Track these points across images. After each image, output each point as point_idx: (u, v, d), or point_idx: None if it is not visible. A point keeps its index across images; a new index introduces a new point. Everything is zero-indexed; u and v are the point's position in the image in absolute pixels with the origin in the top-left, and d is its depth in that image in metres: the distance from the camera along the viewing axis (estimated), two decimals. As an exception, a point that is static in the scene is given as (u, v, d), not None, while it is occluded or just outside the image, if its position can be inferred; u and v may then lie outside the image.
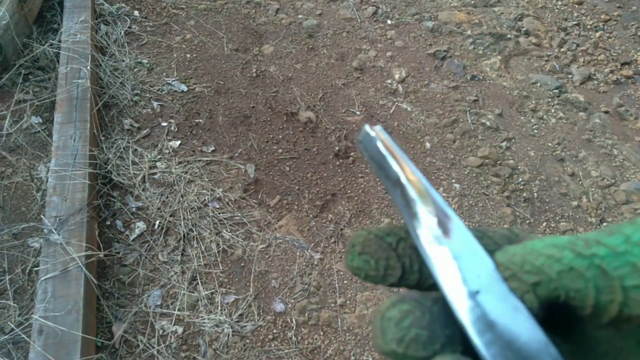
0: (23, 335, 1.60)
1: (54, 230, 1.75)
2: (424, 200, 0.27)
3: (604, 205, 2.20)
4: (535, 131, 2.49)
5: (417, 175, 0.28)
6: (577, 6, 3.28)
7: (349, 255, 0.28)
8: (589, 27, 3.13)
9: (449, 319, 0.24)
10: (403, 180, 0.27)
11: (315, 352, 1.70)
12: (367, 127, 0.31)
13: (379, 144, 0.29)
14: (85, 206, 1.83)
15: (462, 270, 0.24)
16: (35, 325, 1.54)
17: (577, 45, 2.99)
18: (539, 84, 2.73)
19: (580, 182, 2.29)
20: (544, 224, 2.13)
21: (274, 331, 1.73)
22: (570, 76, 2.81)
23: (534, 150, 2.40)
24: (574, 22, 3.15)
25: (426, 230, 0.26)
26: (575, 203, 2.20)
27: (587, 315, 0.20)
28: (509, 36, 2.99)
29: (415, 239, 0.26)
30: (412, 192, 0.27)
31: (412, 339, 0.23)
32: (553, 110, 2.61)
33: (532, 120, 2.54)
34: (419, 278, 0.27)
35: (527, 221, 2.13)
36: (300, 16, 2.95)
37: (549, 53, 2.92)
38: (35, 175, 2.01)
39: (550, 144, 2.44)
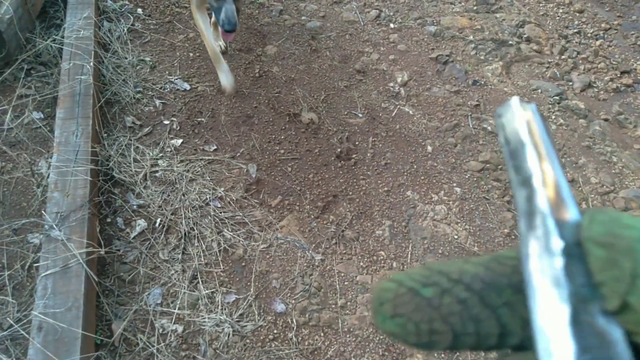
0: (22, 332, 1.58)
1: (54, 226, 1.74)
2: (557, 216, 0.20)
3: (604, 212, 2.21)
4: (536, 137, 2.51)
5: (558, 180, 0.22)
6: (577, 14, 3.30)
7: (379, 316, 0.22)
8: (589, 35, 3.16)
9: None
10: (536, 182, 0.21)
11: (315, 353, 1.69)
12: (515, 100, 0.24)
13: (521, 127, 0.23)
14: (86, 203, 1.82)
15: (577, 341, 0.18)
16: (35, 322, 1.53)
17: (578, 53, 3.01)
18: (539, 91, 2.75)
19: (580, 188, 2.30)
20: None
21: (275, 331, 1.73)
22: (570, 83, 2.83)
23: (534, 156, 2.41)
24: (575, 30, 3.17)
25: (545, 262, 0.19)
26: (575, 209, 2.21)
27: None
28: (510, 42, 3.00)
29: (524, 262, 0.20)
30: (541, 202, 0.21)
31: None
32: (553, 117, 2.62)
33: (533, 126, 2.56)
34: (477, 341, 0.21)
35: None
36: (303, 18, 2.95)
37: (549, 60, 2.94)
38: (36, 170, 2.00)
39: (550, 150, 2.45)
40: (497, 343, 0.21)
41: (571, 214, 0.20)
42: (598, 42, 3.10)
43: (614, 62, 2.98)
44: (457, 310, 0.21)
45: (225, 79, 2.34)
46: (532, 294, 0.19)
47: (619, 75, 2.90)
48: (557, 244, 0.19)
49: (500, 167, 2.33)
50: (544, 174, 0.21)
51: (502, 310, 0.20)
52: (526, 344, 0.21)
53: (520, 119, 0.23)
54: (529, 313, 0.19)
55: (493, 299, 0.21)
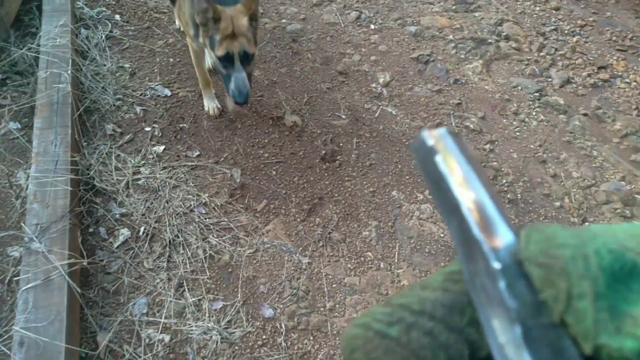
0: (3, 348, 1.54)
1: (35, 238, 1.71)
2: (489, 240, 0.21)
3: (586, 206, 2.24)
4: (518, 134, 2.53)
5: (483, 202, 0.22)
6: (554, 12, 3.35)
7: None
8: (566, 32, 3.20)
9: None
10: (463, 210, 0.22)
11: (305, 357, 1.68)
12: (424, 134, 0.24)
13: (438, 159, 0.23)
14: (67, 213, 1.78)
15: None
16: (16, 337, 1.49)
17: (556, 50, 3.05)
18: (519, 88, 2.78)
19: (562, 183, 2.33)
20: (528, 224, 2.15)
21: (263, 337, 1.71)
22: (550, 80, 2.86)
23: (516, 153, 2.43)
24: (552, 27, 3.22)
25: (489, 286, 0.20)
26: (557, 204, 2.23)
27: None
28: (489, 41, 3.03)
29: (470, 288, 0.20)
30: (473, 229, 0.21)
31: None
32: (534, 113, 2.65)
33: (514, 123, 2.58)
34: None
35: (512, 222, 2.15)
36: (284, 20, 2.94)
37: (528, 57, 2.98)
38: (14, 182, 1.96)
39: (532, 146, 2.47)
40: None
41: (502, 236, 0.21)
42: (575, 39, 3.14)
43: (591, 58, 3.03)
44: (426, 343, 0.21)
45: (210, 104, 2.31)
46: (485, 320, 0.19)
47: (596, 70, 2.95)
48: (496, 266, 0.20)
49: (483, 164, 2.35)
50: (468, 201, 0.21)
51: (468, 329, 0.21)
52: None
53: (434, 151, 0.23)
54: (486, 338, 0.19)
55: (457, 321, 0.21)
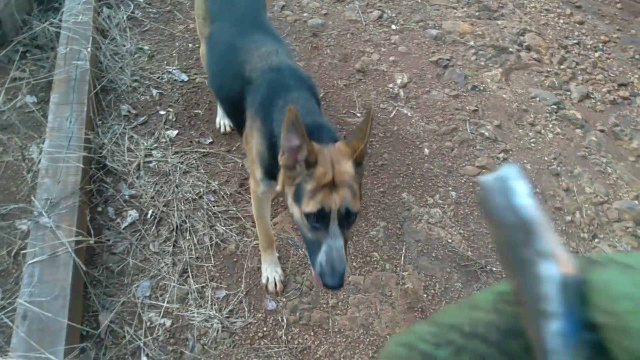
0: (6, 320, 1.54)
1: (44, 212, 1.70)
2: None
3: (597, 222, 2.22)
4: (533, 145, 2.51)
5: (575, 278, 0.20)
6: (578, 25, 3.32)
7: None
8: (588, 46, 3.17)
9: None
10: (550, 271, 0.20)
11: (305, 352, 1.67)
12: (510, 170, 0.22)
13: (522, 206, 0.22)
14: (77, 190, 1.78)
15: None
16: (20, 310, 1.49)
17: (577, 64, 3.02)
18: (537, 99, 2.75)
19: (575, 197, 2.30)
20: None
21: (264, 329, 1.70)
22: (568, 93, 2.83)
23: (530, 164, 2.41)
24: (575, 41, 3.18)
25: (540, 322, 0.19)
26: (568, 218, 2.21)
27: None
28: (510, 50, 3.00)
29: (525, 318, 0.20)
30: (556, 301, 0.19)
31: None
32: (551, 126, 2.62)
33: (530, 133, 2.56)
34: None
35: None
36: (305, 14, 2.93)
37: (548, 69, 2.95)
38: (27, 155, 1.96)
39: (546, 158, 2.45)
40: None
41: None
42: (597, 54, 3.11)
43: (612, 75, 2.99)
44: None
45: (271, 273, 1.80)
46: None
47: (616, 87, 2.92)
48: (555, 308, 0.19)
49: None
50: (561, 267, 0.20)
51: (522, 356, 0.19)
52: None
53: (514, 195, 0.22)
54: None
55: (513, 347, 0.20)
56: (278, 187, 1.42)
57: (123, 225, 1.86)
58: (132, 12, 2.60)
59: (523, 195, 0.22)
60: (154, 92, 2.30)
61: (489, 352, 0.19)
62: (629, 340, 0.18)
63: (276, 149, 1.37)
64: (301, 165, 1.28)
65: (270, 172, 1.47)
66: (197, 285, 1.76)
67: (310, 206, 1.25)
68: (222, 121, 2.20)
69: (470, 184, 2.27)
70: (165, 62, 2.44)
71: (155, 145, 2.11)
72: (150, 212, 1.91)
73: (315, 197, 1.25)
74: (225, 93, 1.71)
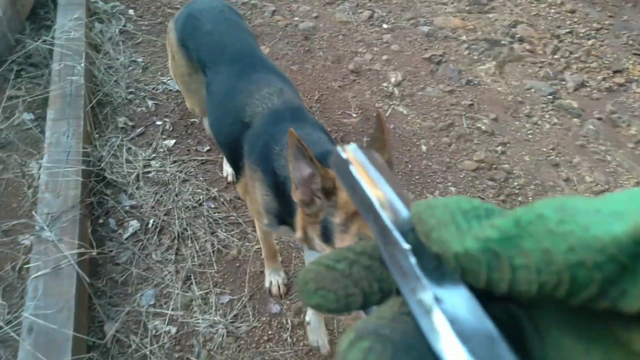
0: (12, 334, 1.56)
1: (45, 227, 1.72)
2: (397, 226, 0.25)
3: (598, 210, 2.21)
4: (530, 136, 2.51)
5: (392, 199, 0.26)
6: (569, 14, 3.32)
7: (305, 294, 0.27)
8: (581, 35, 3.17)
9: (414, 338, 0.23)
10: (376, 206, 0.26)
11: (310, 354, 1.67)
12: (338, 149, 0.30)
13: (352, 168, 0.28)
14: (77, 203, 1.80)
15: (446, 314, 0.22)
16: (25, 324, 1.51)
17: (570, 53, 3.02)
18: (533, 90, 2.75)
19: (575, 187, 2.30)
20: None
21: (269, 332, 1.71)
22: (563, 83, 2.84)
23: (528, 155, 2.41)
24: (567, 30, 3.19)
25: (403, 262, 0.24)
26: (569, 207, 2.21)
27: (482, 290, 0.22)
28: (503, 42, 3.01)
29: (390, 269, 0.25)
30: (386, 220, 0.25)
31: None
32: (547, 116, 2.62)
33: (527, 125, 2.56)
34: (381, 296, 0.26)
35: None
36: (296, 18, 2.95)
37: (542, 60, 2.95)
38: (26, 171, 1.98)
39: (544, 149, 2.45)
40: (397, 294, 0.26)
41: (404, 215, 0.26)
42: (590, 42, 3.11)
43: (607, 62, 2.99)
44: (364, 275, 0.26)
45: (274, 277, 1.80)
46: (406, 293, 0.23)
47: (611, 74, 2.92)
48: (405, 246, 0.24)
49: (494, 166, 2.33)
50: (379, 198, 0.27)
51: None
52: None
53: (347, 162, 0.29)
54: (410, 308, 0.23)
55: None
56: (298, 234, 1.24)
57: (125, 236, 1.87)
58: (124, 26, 2.62)
59: (349, 163, 0.29)
60: (150, 103, 2.32)
61: (373, 264, 0.26)
62: (433, 219, 0.24)
63: (286, 196, 1.22)
64: (320, 196, 1.09)
65: (281, 219, 1.35)
66: (200, 292, 1.77)
67: (346, 242, 1.06)
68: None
69: (470, 178, 2.27)
70: (159, 73, 2.46)
71: (154, 155, 2.12)
72: (151, 221, 1.92)
73: (349, 229, 1.06)
74: (224, 138, 1.56)
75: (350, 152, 0.29)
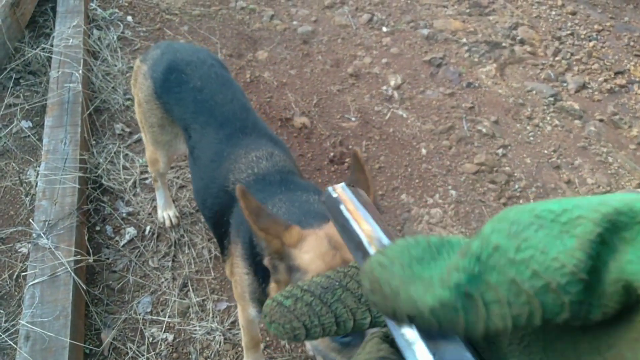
0: (9, 342, 1.55)
1: (42, 234, 1.72)
2: None
3: (600, 213, 2.19)
4: (531, 138, 2.49)
5: (379, 236, 0.28)
6: (570, 16, 3.30)
7: (266, 324, 0.31)
8: (582, 36, 3.15)
9: None
10: (365, 243, 0.28)
11: (309, 360, 1.66)
12: (329, 189, 0.32)
13: (342, 207, 0.31)
14: (74, 210, 1.79)
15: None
16: (22, 331, 1.50)
17: (572, 55, 3.00)
18: (534, 92, 2.73)
19: (577, 189, 2.28)
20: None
21: (267, 339, 1.69)
22: (565, 84, 2.81)
23: (530, 158, 2.39)
24: (568, 32, 3.17)
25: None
26: (571, 210, 2.18)
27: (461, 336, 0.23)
28: (504, 44, 2.99)
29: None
30: (372, 253, 0.28)
31: None
32: (548, 118, 2.60)
33: (528, 127, 2.54)
34: (321, 330, 0.29)
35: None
36: (295, 22, 2.94)
37: (543, 62, 2.93)
38: (24, 179, 1.98)
39: (546, 151, 2.43)
40: (337, 330, 0.29)
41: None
42: (591, 44, 3.09)
43: (608, 63, 2.97)
44: (305, 311, 0.29)
45: None
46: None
47: (612, 76, 2.89)
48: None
49: (495, 169, 2.31)
50: (367, 235, 0.29)
51: (335, 305, 0.29)
52: (360, 326, 0.29)
53: (338, 201, 0.31)
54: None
55: (329, 298, 0.29)
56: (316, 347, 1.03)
57: (122, 243, 1.87)
58: (122, 32, 2.63)
59: (340, 202, 0.32)
60: (148, 109, 2.31)
61: (314, 301, 0.30)
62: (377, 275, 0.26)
63: (263, 276, 1.08)
64: (276, 260, 0.94)
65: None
66: (197, 299, 1.76)
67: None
68: (163, 214, 1.92)
69: (470, 181, 2.25)
70: (158, 79, 2.46)
71: (151, 161, 2.12)
72: (148, 228, 1.91)
73: None
74: (208, 211, 1.39)
75: (340, 191, 0.32)
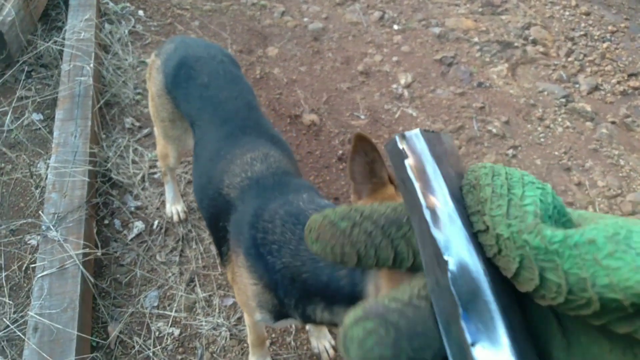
0: (18, 333, 1.57)
1: (52, 227, 1.73)
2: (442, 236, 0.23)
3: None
4: (542, 140, 2.46)
5: (443, 207, 0.24)
6: (584, 17, 3.26)
7: (308, 239, 0.28)
8: (596, 37, 3.11)
9: (422, 326, 0.23)
10: (424, 210, 0.24)
11: (314, 357, 1.66)
12: (396, 137, 0.26)
13: (406, 163, 0.25)
14: (84, 204, 1.80)
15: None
16: (31, 323, 1.52)
17: (585, 56, 2.96)
18: (546, 93, 2.71)
19: (587, 191, 2.26)
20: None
21: (273, 335, 1.70)
22: (577, 86, 2.79)
23: (540, 159, 2.37)
24: (581, 33, 3.13)
25: (440, 275, 0.22)
26: (581, 213, 2.16)
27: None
28: (516, 44, 2.97)
29: (431, 291, 0.23)
30: (431, 227, 0.24)
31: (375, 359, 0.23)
32: (560, 120, 2.58)
33: (539, 128, 2.52)
34: (376, 261, 0.27)
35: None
36: (305, 19, 2.94)
37: (556, 62, 2.90)
38: (34, 171, 1.99)
39: (556, 153, 2.41)
40: (391, 265, 0.26)
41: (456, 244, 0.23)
42: (605, 45, 3.05)
43: (621, 65, 2.93)
44: (362, 239, 0.26)
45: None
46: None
47: (626, 78, 2.86)
48: (450, 267, 0.22)
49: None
50: (429, 204, 0.24)
51: (398, 241, 0.26)
52: (418, 267, 0.26)
53: (403, 155, 0.26)
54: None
55: (392, 232, 0.26)
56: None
57: (130, 237, 1.88)
58: (134, 27, 2.63)
59: (405, 156, 0.26)
60: (158, 103, 2.32)
61: (375, 231, 0.26)
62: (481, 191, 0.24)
63: (279, 287, 1.06)
64: None
65: (279, 313, 1.14)
66: (204, 294, 1.76)
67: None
68: (172, 209, 1.92)
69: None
70: (168, 73, 2.46)
71: (160, 156, 2.13)
72: (156, 222, 1.92)
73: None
74: (205, 212, 1.38)
75: (409, 140, 0.26)
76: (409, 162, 0.25)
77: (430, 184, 0.25)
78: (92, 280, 1.69)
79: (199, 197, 1.41)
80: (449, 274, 0.22)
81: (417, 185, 0.25)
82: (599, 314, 0.19)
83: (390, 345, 0.22)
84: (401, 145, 0.26)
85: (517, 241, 0.21)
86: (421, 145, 0.26)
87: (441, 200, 0.24)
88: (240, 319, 1.72)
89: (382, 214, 0.27)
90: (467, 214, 0.24)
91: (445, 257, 0.22)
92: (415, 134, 0.26)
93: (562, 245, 0.20)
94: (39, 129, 2.12)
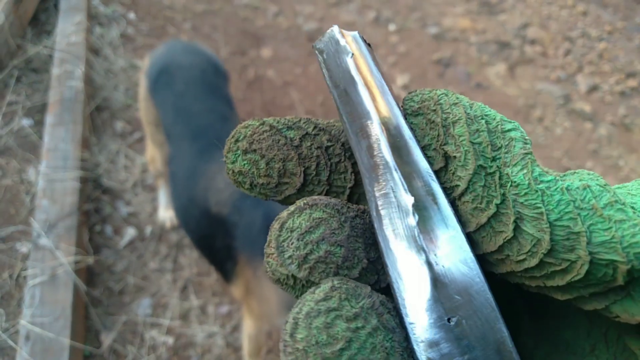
0: (9, 341, 1.53)
1: (43, 234, 1.69)
2: (401, 165, 0.18)
3: (610, 217, 2.14)
4: (541, 140, 2.44)
5: (398, 121, 0.19)
6: (581, 17, 3.24)
7: (230, 154, 0.20)
8: (593, 37, 3.09)
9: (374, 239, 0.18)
10: (374, 129, 0.19)
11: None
12: (335, 30, 0.21)
13: (350, 62, 0.20)
14: (75, 210, 1.77)
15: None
16: (22, 331, 1.49)
17: (582, 55, 2.94)
18: (544, 93, 2.69)
19: (586, 193, 2.23)
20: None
21: (269, 343, 1.66)
22: (575, 86, 2.76)
23: (539, 160, 2.33)
24: (579, 33, 3.11)
25: (397, 222, 0.18)
26: (580, 214, 2.14)
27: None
28: (513, 44, 2.94)
29: (375, 224, 0.18)
30: (384, 152, 0.19)
31: (321, 258, 0.17)
32: (559, 120, 2.55)
33: (538, 129, 2.49)
34: (327, 190, 0.20)
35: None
36: (300, 20, 2.91)
37: (554, 62, 2.88)
38: (25, 178, 1.95)
39: (556, 154, 2.38)
40: (348, 198, 0.20)
41: (416, 161, 0.19)
42: (602, 45, 3.03)
43: (619, 65, 2.91)
44: (315, 155, 0.20)
45: None
46: (392, 261, 0.17)
47: (624, 77, 2.84)
48: (408, 200, 0.18)
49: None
50: (382, 118, 0.19)
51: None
52: None
53: (345, 51, 0.20)
54: (389, 279, 0.17)
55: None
56: None
57: (122, 244, 1.84)
58: (125, 30, 2.60)
59: (348, 53, 0.20)
60: (151, 107, 2.28)
61: (333, 147, 0.20)
62: (440, 115, 0.19)
63: None
64: None
65: None
66: (198, 302, 1.73)
67: None
68: (164, 214, 1.88)
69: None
70: (161, 76, 2.43)
71: (154, 160, 2.09)
72: (148, 229, 1.88)
73: None
74: (192, 234, 1.34)
75: (350, 40, 0.21)
76: (352, 62, 0.20)
77: (382, 93, 0.20)
78: (85, 288, 1.65)
79: (182, 219, 1.35)
80: (414, 217, 0.18)
81: (363, 93, 0.20)
82: (576, 284, 0.16)
83: (344, 243, 0.17)
84: (343, 40, 0.21)
85: (502, 177, 0.17)
86: (364, 49, 0.21)
87: (394, 115, 0.20)
88: (235, 327, 1.68)
89: (341, 129, 0.21)
90: (417, 141, 0.19)
91: (408, 200, 0.18)
92: (354, 35, 0.21)
93: (551, 185, 0.16)
94: (30, 134, 2.08)
